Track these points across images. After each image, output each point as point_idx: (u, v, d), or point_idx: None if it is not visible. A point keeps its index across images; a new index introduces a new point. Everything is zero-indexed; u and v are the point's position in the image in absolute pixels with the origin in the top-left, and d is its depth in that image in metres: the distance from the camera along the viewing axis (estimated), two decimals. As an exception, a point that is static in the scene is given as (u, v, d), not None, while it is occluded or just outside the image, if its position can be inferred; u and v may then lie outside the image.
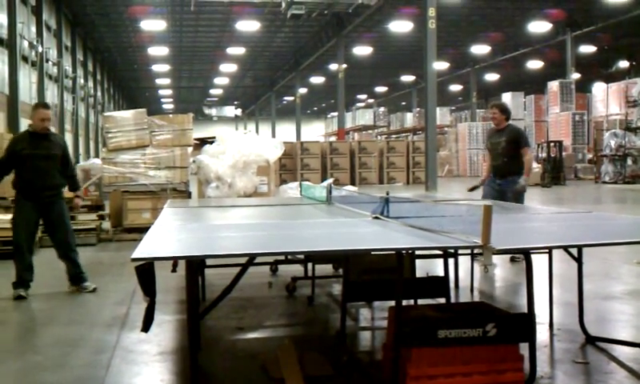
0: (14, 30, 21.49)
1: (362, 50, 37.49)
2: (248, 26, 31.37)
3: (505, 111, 8.07)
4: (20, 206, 6.59)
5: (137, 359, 4.39)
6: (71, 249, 6.67)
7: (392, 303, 3.71)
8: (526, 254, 3.73)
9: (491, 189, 7.96)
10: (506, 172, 7.86)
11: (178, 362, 4.33)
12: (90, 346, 4.72)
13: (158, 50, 37.59)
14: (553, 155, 26.37)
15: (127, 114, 11.53)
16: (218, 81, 51.93)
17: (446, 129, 38.96)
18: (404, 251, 3.79)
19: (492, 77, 46.96)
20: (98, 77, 42.45)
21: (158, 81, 51.80)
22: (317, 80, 48.78)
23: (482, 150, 31.07)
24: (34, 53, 24.78)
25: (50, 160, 6.58)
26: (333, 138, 39.66)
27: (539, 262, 4.73)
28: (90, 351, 4.60)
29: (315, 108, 70.65)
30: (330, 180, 10.20)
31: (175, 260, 5.16)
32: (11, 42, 21.51)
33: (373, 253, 4.35)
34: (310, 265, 6.16)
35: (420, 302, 4.94)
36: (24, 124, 21.24)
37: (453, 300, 5.40)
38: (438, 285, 5.15)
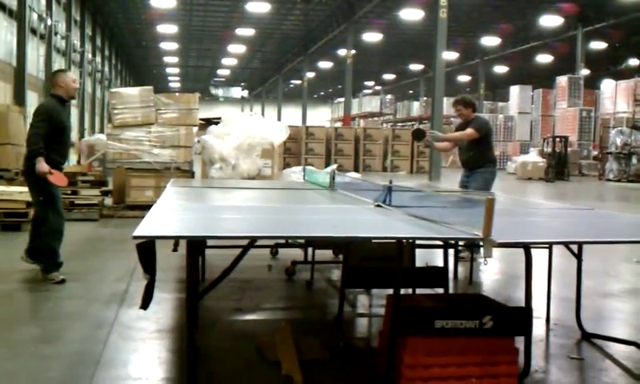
0: (24, 2, 21.44)
1: (372, 37, 37.31)
2: (258, 7, 31.24)
3: (469, 104, 7.59)
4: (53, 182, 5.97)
5: (134, 336, 4.42)
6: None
7: (390, 291, 3.72)
8: (526, 248, 3.73)
9: (462, 184, 7.62)
10: (472, 164, 7.54)
11: (175, 340, 4.36)
12: (88, 321, 4.75)
13: (167, 28, 37.51)
14: (558, 150, 26.30)
15: (134, 91, 11.53)
16: (225, 61, 51.82)
17: (452, 119, 38.81)
18: (404, 240, 3.80)
19: (501, 69, 46.76)
20: (106, 52, 42.38)
21: (166, 59, 51.73)
22: (325, 65, 48.66)
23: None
24: (42, 25, 24.72)
25: (69, 130, 6.46)
26: (338, 124, 39.62)
27: (538, 256, 4.73)
28: (88, 326, 4.63)
29: (322, 93, 70.52)
30: (334, 166, 10.21)
31: (176, 239, 5.20)
32: (20, 14, 21.46)
33: (373, 240, 4.35)
34: (310, 249, 6.18)
35: (418, 291, 4.95)
36: (30, 96, 21.30)
37: (451, 291, 5.41)
38: (437, 275, 5.17)
